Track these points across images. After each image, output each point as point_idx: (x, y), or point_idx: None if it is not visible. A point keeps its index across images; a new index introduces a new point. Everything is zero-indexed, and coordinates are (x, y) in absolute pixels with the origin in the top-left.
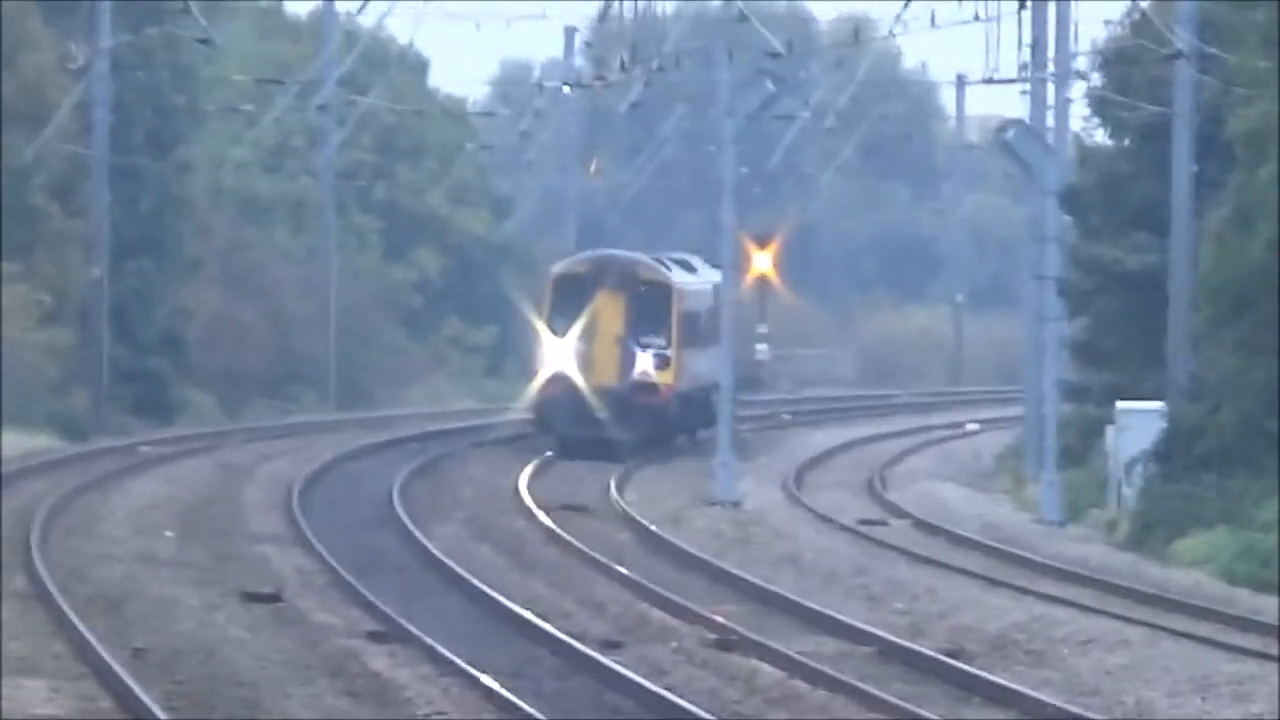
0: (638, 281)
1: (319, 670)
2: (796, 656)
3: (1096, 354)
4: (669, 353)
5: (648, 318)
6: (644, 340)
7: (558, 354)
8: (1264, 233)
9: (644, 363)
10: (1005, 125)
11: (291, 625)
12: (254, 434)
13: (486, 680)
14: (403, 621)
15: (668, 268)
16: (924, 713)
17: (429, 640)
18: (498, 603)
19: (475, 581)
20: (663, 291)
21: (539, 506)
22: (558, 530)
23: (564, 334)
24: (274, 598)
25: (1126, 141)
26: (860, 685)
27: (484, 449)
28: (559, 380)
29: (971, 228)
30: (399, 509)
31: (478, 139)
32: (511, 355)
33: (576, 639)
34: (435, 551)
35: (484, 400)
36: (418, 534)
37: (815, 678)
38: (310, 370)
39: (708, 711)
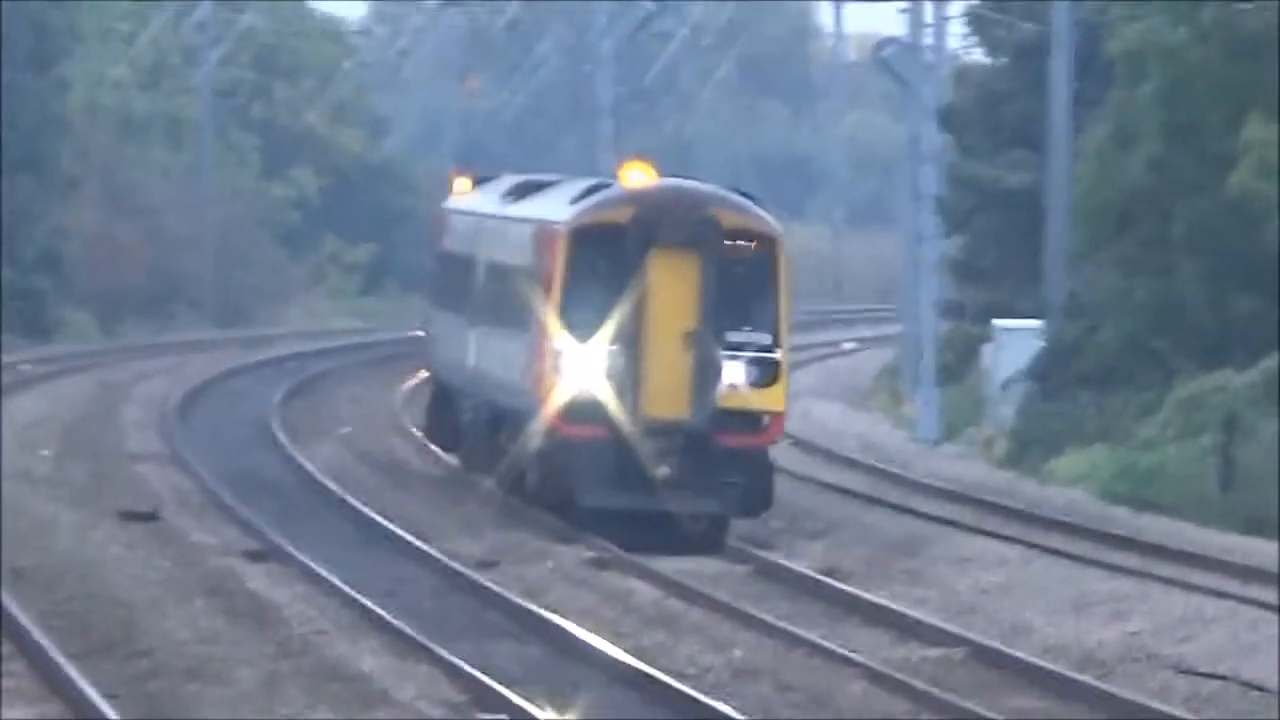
0: (719, 233)
1: (197, 589)
2: (673, 575)
3: (974, 272)
4: (777, 355)
5: (739, 298)
6: (734, 339)
7: (579, 367)
8: (1144, 151)
9: (734, 375)
10: (884, 43)
11: (169, 544)
12: (132, 352)
13: (363, 599)
14: (280, 541)
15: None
16: (801, 632)
17: (306, 559)
18: (375, 522)
19: (353, 501)
20: (763, 249)
21: (416, 425)
22: (434, 448)
23: (589, 333)
24: (151, 517)
25: (1004, 60)
26: (736, 605)
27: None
28: (585, 411)
29: (850, 146)
30: (276, 428)
31: (355, 57)
32: (390, 274)
33: (453, 558)
34: (313, 471)
35: (361, 318)
36: (295, 453)
37: (692, 597)
38: (189, 288)
39: (586, 630)
